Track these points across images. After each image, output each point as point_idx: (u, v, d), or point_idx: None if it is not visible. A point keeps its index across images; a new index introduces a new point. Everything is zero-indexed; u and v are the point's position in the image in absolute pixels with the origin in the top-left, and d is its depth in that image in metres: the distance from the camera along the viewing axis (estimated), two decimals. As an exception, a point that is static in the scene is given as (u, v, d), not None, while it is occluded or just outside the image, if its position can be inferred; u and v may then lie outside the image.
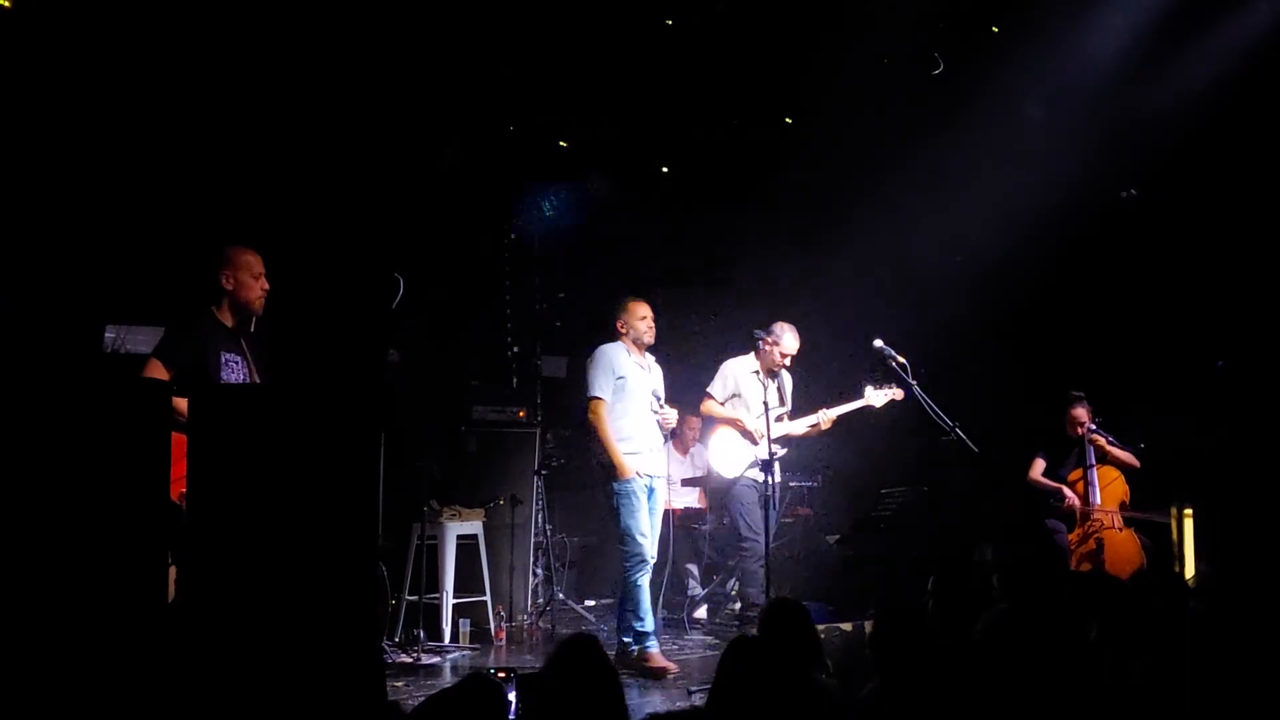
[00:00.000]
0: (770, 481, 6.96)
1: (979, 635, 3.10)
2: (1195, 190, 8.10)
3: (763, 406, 7.04)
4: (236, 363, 5.40)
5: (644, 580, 6.56)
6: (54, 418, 3.96)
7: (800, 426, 7.52)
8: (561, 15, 7.52)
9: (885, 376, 7.41)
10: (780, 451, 7.42)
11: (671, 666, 6.50)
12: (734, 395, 7.47)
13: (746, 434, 7.41)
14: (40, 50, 6.01)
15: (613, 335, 6.80)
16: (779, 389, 7.53)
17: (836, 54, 7.95)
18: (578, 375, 8.57)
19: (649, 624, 6.55)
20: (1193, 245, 8.12)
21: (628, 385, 6.66)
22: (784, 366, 7.47)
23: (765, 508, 6.94)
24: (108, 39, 6.27)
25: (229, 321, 5.44)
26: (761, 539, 7.19)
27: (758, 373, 7.39)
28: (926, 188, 8.49)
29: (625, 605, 6.63)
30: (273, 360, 5.47)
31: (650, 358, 6.87)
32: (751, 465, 7.30)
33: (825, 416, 7.46)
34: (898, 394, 7.41)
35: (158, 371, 5.19)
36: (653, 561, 6.74)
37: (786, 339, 7.40)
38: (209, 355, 5.32)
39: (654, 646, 6.55)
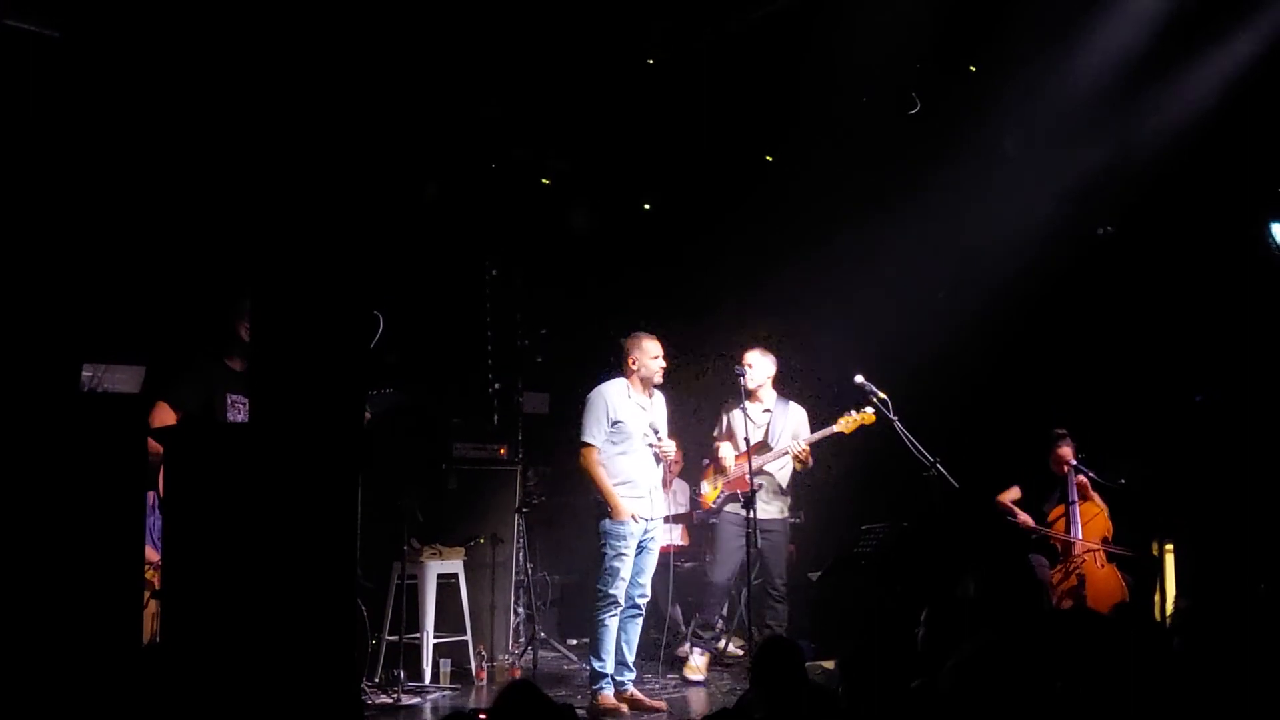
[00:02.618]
0: (750, 517, 7.01)
1: (952, 670, 3.09)
2: (1171, 226, 8.15)
3: (755, 440, 7.33)
4: (244, 404, 5.60)
5: (611, 622, 6.57)
6: (29, 455, 3.93)
7: (773, 459, 7.60)
8: (545, 53, 7.56)
9: (859, 407, 7.41)
10: (755, 483, 7.39)
11: (622, 708, 6.50)
12: (728, 433, 7.71)
13: (721, 468, 7.69)
14: (19, 88, 6.02)
15: (619, 371, 6.79)
16: (770, 423, 7.65)
17: (815, 92, 8.00)
18: (560, 412, 8.60)
19: (608, 665, 6.56)
20: (1168, 281, 8.17)
21: (626, 428, 6.66)
22: (755, 388, 7.60)
23: (748, 544, 6.99)
24: (86, 77, 6.28)
25: (237, 366, 5.62)
26: (717, 576, 7.59)
27: (743, 407, 7.42)
28: (907, 224, 8.52)
29: (594, 642, 6.67)
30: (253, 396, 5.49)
31: (654, 393, 6.87)
32: (729, 499, 7.54)
33: (796, 446, 7.51)
34: (868, 418, 7.41)
35: (165, 414, 5.33)
36: (644, 602, 6.77)
37: (750, 357, 7.60)
38: (216, 398, 5.46)
39: (608, 688, 6.56)
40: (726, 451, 7.64)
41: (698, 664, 7.62)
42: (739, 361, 7.55)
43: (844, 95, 8.20)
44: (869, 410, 7.38)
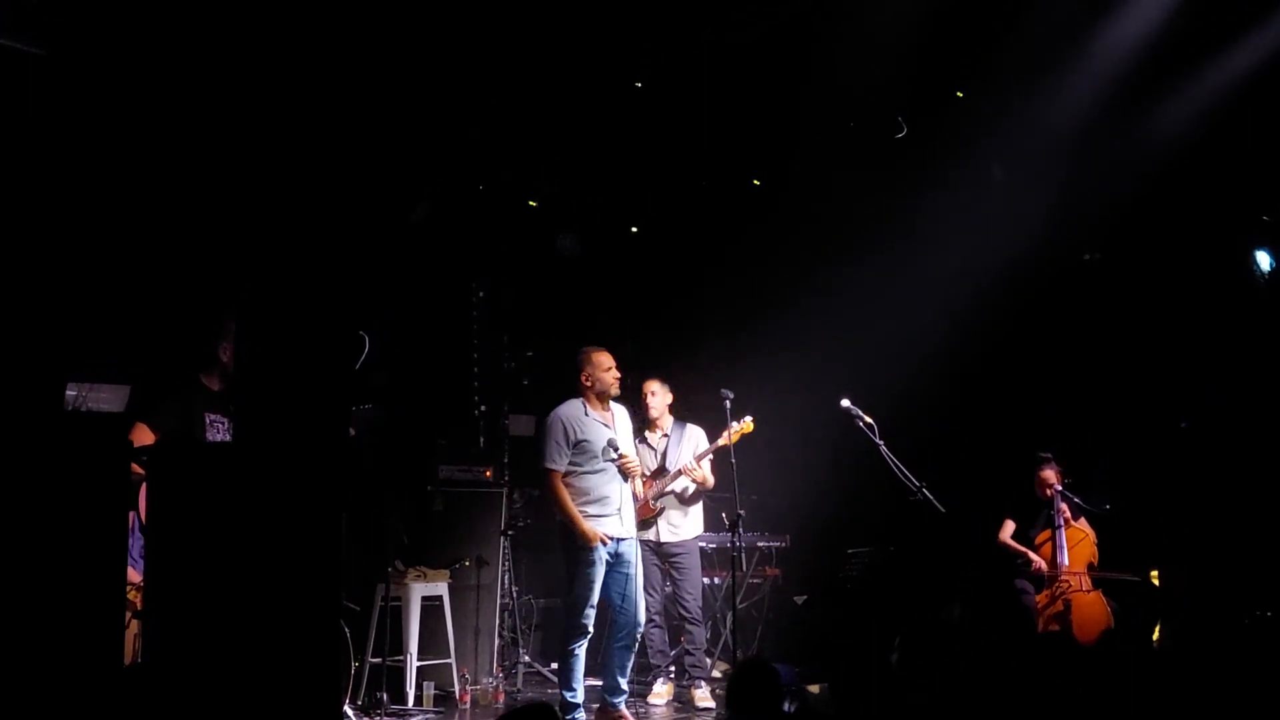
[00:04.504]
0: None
1: (937, 694, 3.09)
2: (1157, 253, 8.19)
3: (653, 467, 7.65)
4: (222, 424, 5.65)
5: (580, 651, 6.55)
6: (11, 474, 3.91)
7: (671, 481, 7.69)
8: (533, 75, 7.58)
9: (740, 418, 7.47)
10: (658, 507, 7.67)
11: None
12: None
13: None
14: (3, 107, 6.01)
15: (575, 390, 6.78)
16: (666, 449, 7.79)
17: (803, 117, 8.04)
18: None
19: (579, 695, 6.55)
20: (1154, 307, 8.20)
21: (591, 446, 6.63)
22: (657, 415, 7.80)
23: (733, 566, 7.10)
24: (76, 96, 6.27)
25: (214, 386, 5.64)
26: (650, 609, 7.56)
27: (645, 438, 7.75)
28: (894, 249, 8.55)
29: (564, 674, 6.65)
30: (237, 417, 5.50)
31: (615, 408, 6.85)
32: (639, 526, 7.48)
33: (687, 465, 7.59)
34: (748, 427, 7.47)
35: (143, 435, 5.35)
36: (639, 632, 6.76)
37: (653, 386, 7.80)
38: (194, 417, 5.54)
39: (581, 717, 6.55)
40: (635, 483, 7.59)
41: (660, 690, 7.73)
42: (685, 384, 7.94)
43: (831, 121, 8.23)
44: (748, 420, 7.46)
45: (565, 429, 6.60)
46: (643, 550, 7.50)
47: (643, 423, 7.72)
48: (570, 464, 6.60)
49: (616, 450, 6.65)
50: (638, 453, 7.35)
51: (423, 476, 8.04)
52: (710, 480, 7.60)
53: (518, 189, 9.06)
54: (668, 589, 7.88)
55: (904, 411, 7.73)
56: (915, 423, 7.89)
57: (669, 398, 7.92)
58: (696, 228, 9.39)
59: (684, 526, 7.80)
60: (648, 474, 7.55)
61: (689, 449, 7.74)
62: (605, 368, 6.72)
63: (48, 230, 6.09)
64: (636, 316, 9.52)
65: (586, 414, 6.67)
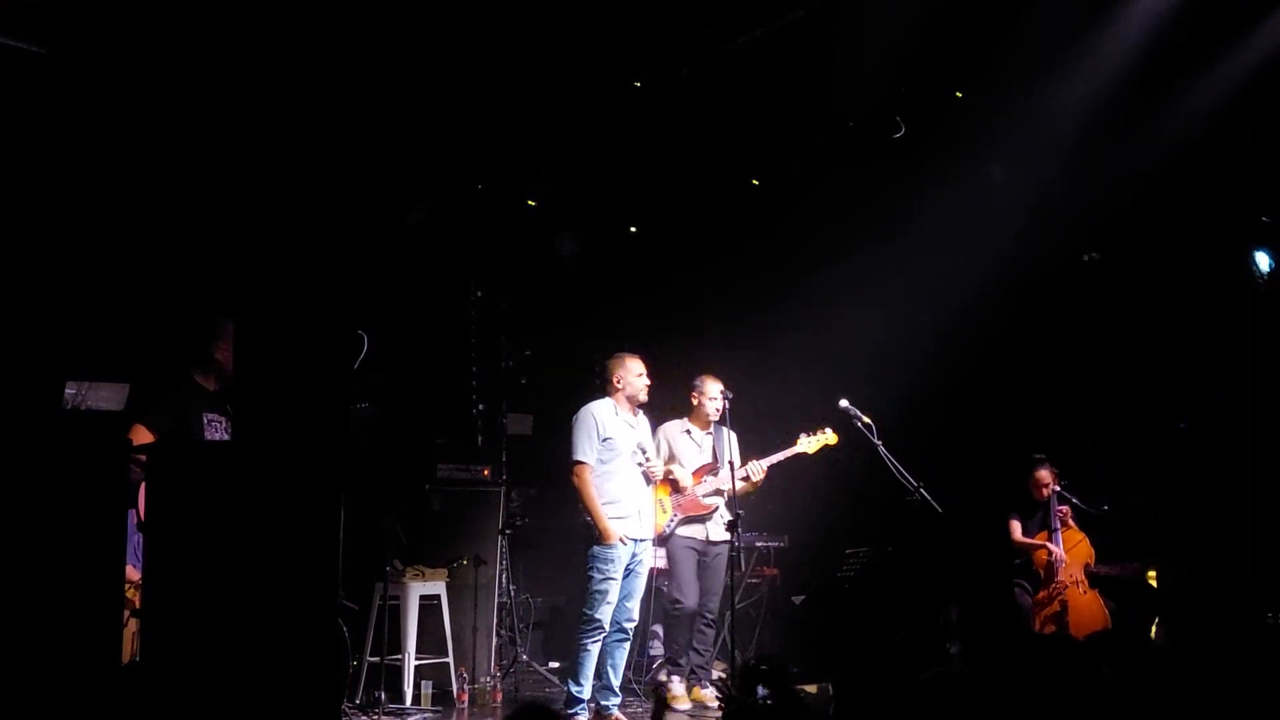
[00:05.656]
0: (704, 538, 7.38)
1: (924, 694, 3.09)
2: (1156, 253, 8.19)
3: (699, 463, 7.50)
4: (219, 423, 5.66)
5: (594, 647, 6.58)
6: (10, 473, 3.91)
7: (728, 480, 7.52)
8: (532, 76, 7.59)
9: (822, 428, 7.53)
10: (711, 504, 7.53)
11: None
12: (670, 457, 7.60)
13: (677, 489, 7.54)
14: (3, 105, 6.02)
15: (603, 391, 6.84)
16: (714, 446, 7.67)
17: (802, 118, 8.04)
18: (544, 434, 8.59)
19: (585, 691, 6.59)
20: (1153, 308, 8.20)
21: (615, 445, 6.70)
22: (718, 417, 7.55)
23: (731, 567, 7.01)
24: (75, 95, 6.27)
25: (210, 385, 5.66)
26: (688, 601, 7.45)
27: (689, 431, 7.64)
28: (892, 249, 8.55)
29: (574, 666, 6.66)
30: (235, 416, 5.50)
31: (640, 414, 6.91)
32: (684, 522, 7.48)
33: (756, 468, 7.53)
34: (830, 439, 7.51)
35: (141, 435, 5.39)
36: (631, 627, 6.78)
37: (709, 387, 7.60)
38: (191, 416, 5.57)
39: (583, 714, 6.58)
40: (681, 473, 7.54)
41: (679, 692, 7.59)
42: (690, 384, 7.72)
43: (830, 121, 8.24)
44: (830, 431, 7.48)
45: (596, 424, 6.69)
46: (684, 548, 7.46)
47: (690, 416, 7.67)
48: (595, 461, 6.67)
49: (644, 454, 6.75)
50: (674, 446, 7.47)
51: (421, 475, 8.04)
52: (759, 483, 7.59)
53: (517, 189, 9.07)
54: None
55: (903, 411, 7.73)
56: (914, 423, 7.88)
57: None
58: (696, 228, 9.39)
59: (722, 524, 7.68)
60: (685, 467, 7.52)
61: (729, 450, 7.64)
62: (637, 373, 6.84)
63: (47, 229, 6.09)
64: (635, 316, 9.52)
65: (616, 414, 6.78)
